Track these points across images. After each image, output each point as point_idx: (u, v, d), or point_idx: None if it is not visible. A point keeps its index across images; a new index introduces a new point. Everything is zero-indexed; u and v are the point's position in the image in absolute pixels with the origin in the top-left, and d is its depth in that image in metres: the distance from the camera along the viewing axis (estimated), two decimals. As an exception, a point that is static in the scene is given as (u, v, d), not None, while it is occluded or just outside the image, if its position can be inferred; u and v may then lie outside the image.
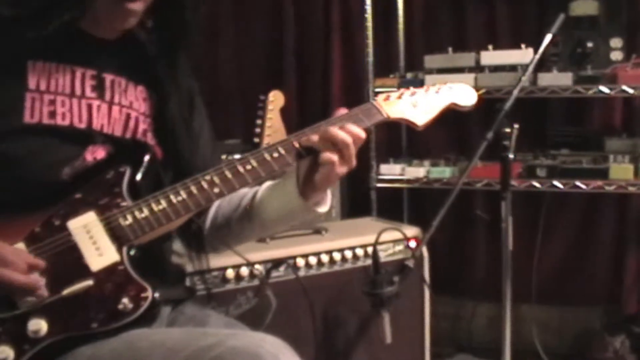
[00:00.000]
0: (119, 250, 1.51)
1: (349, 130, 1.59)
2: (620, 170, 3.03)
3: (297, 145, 1.61)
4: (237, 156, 1.62)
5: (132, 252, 1.52)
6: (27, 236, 1.49)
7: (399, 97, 1.74)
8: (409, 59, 3.75)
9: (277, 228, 1.86)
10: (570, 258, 3.61)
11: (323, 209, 1.73)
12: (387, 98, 1.74)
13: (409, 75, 3.43)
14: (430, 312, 2.93)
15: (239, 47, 3.99)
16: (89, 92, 1.64)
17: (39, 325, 1.42)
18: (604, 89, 3.02)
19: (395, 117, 1.71)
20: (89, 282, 1.46)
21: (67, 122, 1.60)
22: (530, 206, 3.43)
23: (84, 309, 1.46)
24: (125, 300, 1.47)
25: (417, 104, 1.74)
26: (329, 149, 1.59)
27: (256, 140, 2.68)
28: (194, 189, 1.56)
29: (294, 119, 3.43)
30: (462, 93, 1.80)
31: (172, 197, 1.54)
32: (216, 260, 2.41)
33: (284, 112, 2.76)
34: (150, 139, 1.71)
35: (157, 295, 1.49)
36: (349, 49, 3.86)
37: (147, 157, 1.61)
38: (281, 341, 1.43)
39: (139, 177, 1.58)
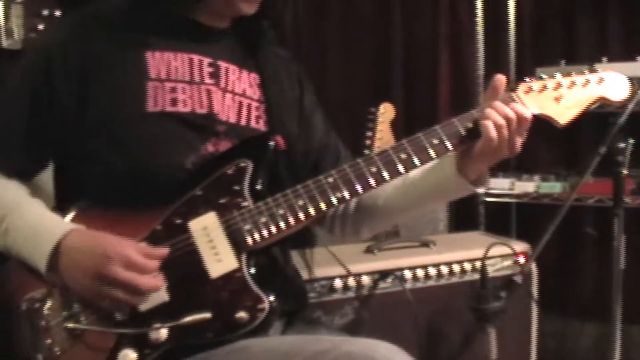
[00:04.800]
0: (238, 256, 1.51)
1: (512, 106, 1.55)
2: None
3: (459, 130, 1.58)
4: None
5: (252, 262, 1.53)
6: (149, 235, 1.52)
7: (541, 91, 1.61)
8: (520, 71, 3.69)
9: (429, 205, 1.82)
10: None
11: (480, 187, 1.67)
12: (528, 90, 1.61)
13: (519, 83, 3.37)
14: (538, 329, 2.88)
15: (346, 59, 4.01)
16: (207, 79, 1.66)
17: (160, 332, 1.46)
18: None
19: (536, 112, 1.60)
20: (207, 315, 1.48)
21: (188, 109, 1.62)
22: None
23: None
24: (241, 311, 1.48)
25: (560, 99, 1.62)
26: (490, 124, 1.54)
27: (366, 152, 2.71)
28: (315, 192, 1.54)
29: (401, 131, 3.42)
30: (614, 84, 1.64)
31: (293, 201, 1.53)
32: (324, 270, 2.45)
33: (392, 123, 2.78)
34: (262, 126, 1.72)
35: (274, 306, 1.49)
36: (457, 61, 3.82)
37: (271, 144, 1.59)
38: (395, 347, 1.43)
39: (260, 173, 1.57)
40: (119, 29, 1.61)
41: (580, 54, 3.51)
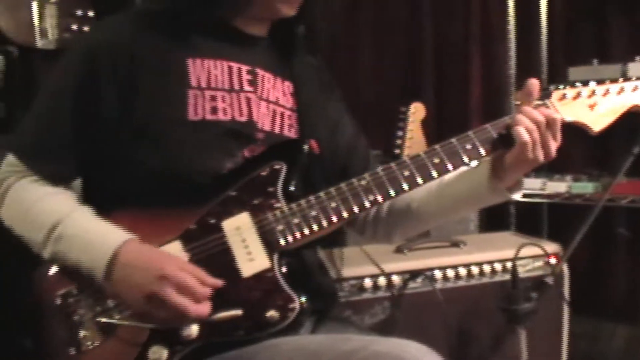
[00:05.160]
0: (270, 256, 1.52)
1: (540, 110, 1.56)
2: None
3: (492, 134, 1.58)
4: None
5: (284, 262, 1.53)
6: (183, 233, 1.53)
7: (575, 98, 1.62)
8: (552, 71, 3.67)
9: (463, 210, 1.82)
10: None
11: (516, 194, 1.66)
12: (562, 97, 1.62)
13: (552, 88, 3.35)
14: (569, 330, 2.86)
15: (378, 60, 4.01)
16: (246, 86, 1.67)
17: (191, 329, 1.48)
18: None
19: (569, 120, 1.61)
20: (238, 313, 1.49)
21: (228, 117, 1.63)
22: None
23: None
24: (272, 310, 1.49)
25: (594, 106, 1.62)
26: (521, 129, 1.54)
27: (396, 151, 2.71)
28: (348, 195, 1.55)
29: (432, 130, 3.42)
30: None
31: (325, 203, 1.54)
32: (354, 270, 2.46)
33: (423, 123, 2.78)
34: (294, 135, 1.73)
35: (305, 306, 1.50)
36: (488, 61, 3.81)
37: (305, 147, 1.61)
38: (425, 347, 1.42)
39: (294, 176, 1.58)
40: (160, 33, 1.61)
41: (613, 52, 3.48)
